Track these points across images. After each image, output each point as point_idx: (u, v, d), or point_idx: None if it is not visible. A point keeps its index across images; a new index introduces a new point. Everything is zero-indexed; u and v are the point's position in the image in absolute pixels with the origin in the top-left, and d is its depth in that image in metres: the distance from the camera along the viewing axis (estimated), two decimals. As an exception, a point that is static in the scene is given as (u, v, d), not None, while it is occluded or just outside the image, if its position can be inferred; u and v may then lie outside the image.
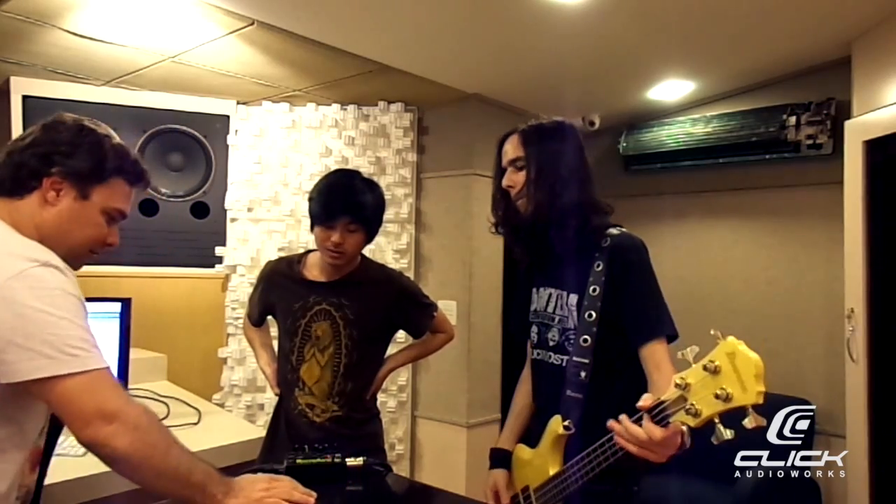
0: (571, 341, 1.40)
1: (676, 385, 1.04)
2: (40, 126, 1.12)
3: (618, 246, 1.38)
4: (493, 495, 1.56)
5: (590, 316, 1.36)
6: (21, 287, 0.94)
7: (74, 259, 1.14)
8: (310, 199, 1.82)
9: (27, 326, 0.93)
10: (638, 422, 1.11)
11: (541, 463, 1.43)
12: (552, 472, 1.38)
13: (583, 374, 1.35)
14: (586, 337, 1.36)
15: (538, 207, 1.40)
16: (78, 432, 0.95)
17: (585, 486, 1.30)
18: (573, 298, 1.41)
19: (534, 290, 1.54)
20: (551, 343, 1.46)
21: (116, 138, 1.18)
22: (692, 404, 1.01)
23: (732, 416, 0.99)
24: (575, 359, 1.38)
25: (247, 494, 1.09)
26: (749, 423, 0.96)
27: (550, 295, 1.48)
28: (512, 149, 1.45)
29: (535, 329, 1.53)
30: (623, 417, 1.13)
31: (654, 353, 1.30)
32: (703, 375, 1.00)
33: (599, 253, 1.38)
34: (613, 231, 1.41)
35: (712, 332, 0.99)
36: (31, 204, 1.09)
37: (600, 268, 1.37)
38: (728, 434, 0.98)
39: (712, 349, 1.01)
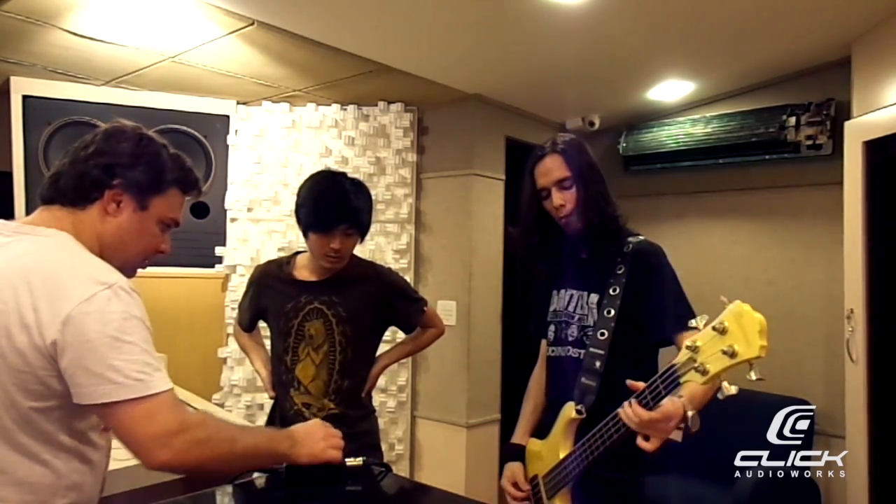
0: (589, 336, 1.49)
1: (687, 347, 1.14)
2: (102, 134, 1.13)
3: (640, 252, 1.50)
4: (512, 486, 1.63)
5: (608, 313, 1.47)
6: (90, 312, 0.96)
7: (130, 268, 1.16)
8: (299, 206, 1.82)
9: (96, 351, 0.95)
10: (641, 404, 1.24)
11: (551, 450, 1.51)
12: (562, 455, 1.46)
13: (598, 363, 1.45)
14: (604, 331, 1.47)
15: (589, 223, 1.50)
16: (143, 459, 0.98)
17: (594, 473, 1.39)
18: (594, 297, 1.52)
19: (554, 291, 1.63)
20: (570, 339, 1.55)
21: (171, 148, 1.18)
22: (701, 363, 1.11)
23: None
24: (592, 350, 1.47)
25: (311, 447, 1.20)
26: (752, 376, 1.05)
27: (572, 296, 1.58)
28: (557, 168, 1.52)
29: (552, 328, 1.62)
30: (629, 400, 1.26)
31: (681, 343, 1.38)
32: (713, 336, 1.10)
33: (622, 258, 1.49)
34: (634, 238, 1.53)
35: (722, 298, 1.11)
36: (93, 215, 1.10)
37: (622, 271, 1.48)
38: (733, 389, 1.07)
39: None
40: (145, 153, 1.12)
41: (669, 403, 1.22)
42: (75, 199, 1.09)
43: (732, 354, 1.06)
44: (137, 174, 1.11)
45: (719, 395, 1.09)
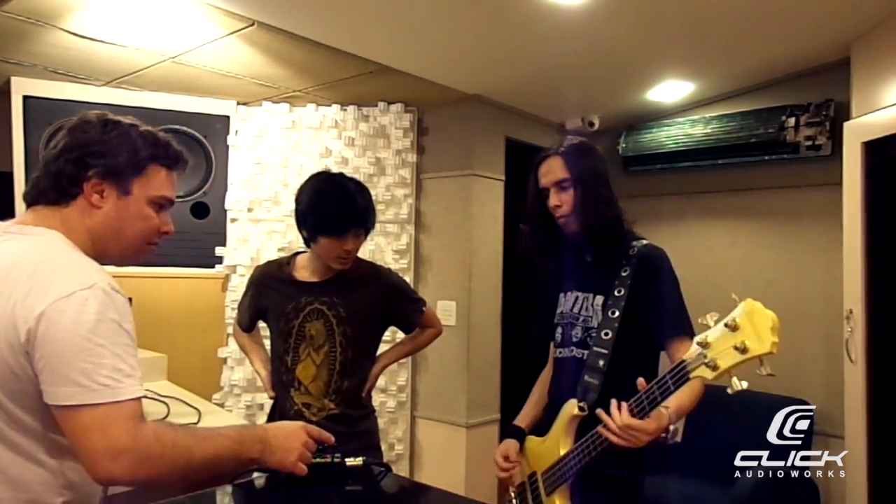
0: (593, 337, 1.51)
1: (698, 343, 1.16)
2: (67, 130, 1.11)
3: (645, 256, 1.53)
4: (503, 459, 1.64)
5: (613, 313, 1.50)
6: (65, 311, 0.94)
7: (133, 254, 1.15)
8: (304, 212, 1.82)
9: (65, 351, 0.93)
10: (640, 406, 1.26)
11: (551, 446, 1.52)
12: (563, 451, 1.47)
13: (601, 362, 1.47)
14: (608, 331, 1.49)
15: (586, 225, 1.53)
16: (91, 472, 0.95)
17: (594, 470, 1.41)
18: (599, 299, 1.54)
19: (561, 294, 1.65)
20: (574, 339, 1.58)
21: (143, 126, 1.16)
22: (711, 359, 1.13)
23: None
24: (595, 349, 1.50)
25: (282, 456, 1.15)
26: (762, 371, 1.09)
27: (577, 298, 1.60)
28: (557, 170, 1.55)
29: (559, 330, 1.64)
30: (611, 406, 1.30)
31: (679, 349, 1.39)
32: (724, 332, 1.12)
33: (626, 260, 1.52)
34: (639, 242, 1.56)
35: (733, 296, 1.12)
36: (79, 210, 1.09)
37: (627, 273, 1.51)
38: (742, 384, 1.09)
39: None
40: (112, 137, 1.10)
41: (654, 415, 1.25)
42: (57, 198, 1.08)
43: (744, 350, 1.08)
44: (110, 160, 1.09)
45: (728, 391, 1.10)
